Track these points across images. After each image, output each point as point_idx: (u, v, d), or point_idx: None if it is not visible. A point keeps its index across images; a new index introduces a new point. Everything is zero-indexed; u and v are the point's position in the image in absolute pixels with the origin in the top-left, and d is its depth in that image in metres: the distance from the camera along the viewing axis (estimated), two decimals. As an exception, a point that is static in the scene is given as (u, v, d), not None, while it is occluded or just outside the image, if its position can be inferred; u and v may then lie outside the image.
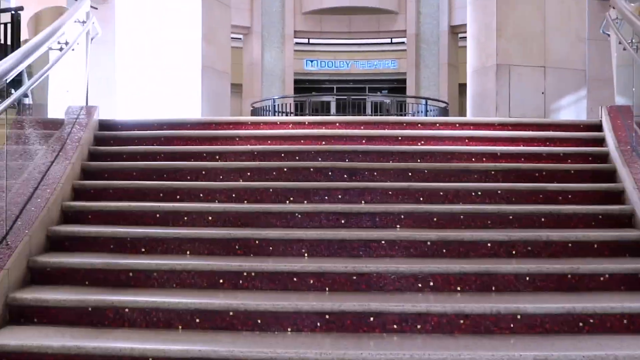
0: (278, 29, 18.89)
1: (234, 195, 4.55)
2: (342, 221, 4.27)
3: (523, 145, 5.27)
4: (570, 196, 4.54)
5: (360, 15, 18.91)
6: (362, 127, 5.58)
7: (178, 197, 4.57)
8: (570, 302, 3.39)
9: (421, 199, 4.50)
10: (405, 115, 17.46)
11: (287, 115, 14.18)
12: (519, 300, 3.45)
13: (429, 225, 4.25)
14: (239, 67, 19.33)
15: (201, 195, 4.57)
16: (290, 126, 5.67)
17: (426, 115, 13.44)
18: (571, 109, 8.38)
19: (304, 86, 23.00)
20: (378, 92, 23.65)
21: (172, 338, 3.28)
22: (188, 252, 4.02)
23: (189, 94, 8.28)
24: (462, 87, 21.45)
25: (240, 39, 19.75)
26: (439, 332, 3.33)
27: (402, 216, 4.27)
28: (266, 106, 14.30)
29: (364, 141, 5.36)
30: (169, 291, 3.67)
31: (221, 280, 3.71)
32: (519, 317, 3.32)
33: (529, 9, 8.20)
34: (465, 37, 20.71)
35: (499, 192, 4.55)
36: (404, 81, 20.38)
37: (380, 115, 23.71)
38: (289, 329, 3.36)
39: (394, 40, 20.26)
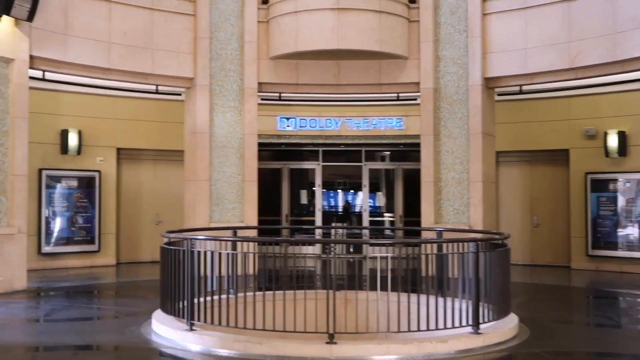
0: (235, 81, 13.04)
1: None
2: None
3: None
4: None
5: (354, 60, 13.09)
6: None
7: None
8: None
9: None
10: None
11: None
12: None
13: None
14: (182, 128, 13.51)
15: None
16: None
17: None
18: None
19: (278, 149, 17.22)
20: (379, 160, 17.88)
21: None
22: None
23: None
24: (498, 156, 15.29)
25: (180, 94, 13.98)
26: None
27: None
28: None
29: None
30: None
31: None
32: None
33: None
34: (504, 94, 14.83)
35: None
36: (413, 145, 14.61)
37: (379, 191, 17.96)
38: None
39: (402, 95, 14.43)
